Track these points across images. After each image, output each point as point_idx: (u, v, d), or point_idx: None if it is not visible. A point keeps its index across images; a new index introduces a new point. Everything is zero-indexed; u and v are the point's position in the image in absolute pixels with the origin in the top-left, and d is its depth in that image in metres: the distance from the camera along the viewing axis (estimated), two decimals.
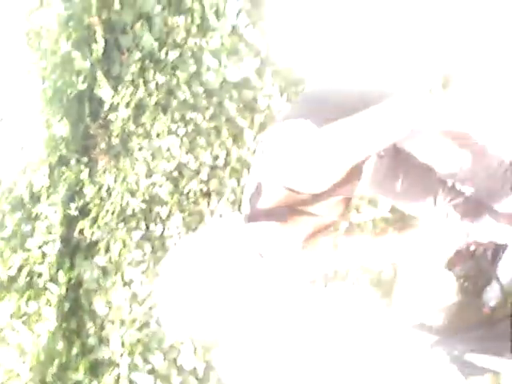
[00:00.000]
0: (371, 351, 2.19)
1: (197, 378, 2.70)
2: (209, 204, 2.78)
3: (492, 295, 2.46)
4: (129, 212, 2.81)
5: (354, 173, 1.35)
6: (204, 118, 2.65)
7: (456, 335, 2.36)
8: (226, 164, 2.72)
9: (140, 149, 2.71)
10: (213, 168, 2.74)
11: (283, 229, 1.30)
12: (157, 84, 2.63)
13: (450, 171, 1.58)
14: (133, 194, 2.78)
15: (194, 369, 2.70)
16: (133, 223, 2.81)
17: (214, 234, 1.26)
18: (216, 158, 2.71)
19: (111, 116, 2.73)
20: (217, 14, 2.57)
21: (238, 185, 2.77)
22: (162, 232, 2.83)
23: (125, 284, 2.91)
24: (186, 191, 2.77)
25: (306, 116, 1.29)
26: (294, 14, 2.15)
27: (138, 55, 2.60)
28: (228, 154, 2.70)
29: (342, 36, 2.09)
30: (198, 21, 2.58)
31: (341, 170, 1.30)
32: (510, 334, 2.27)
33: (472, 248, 2.58)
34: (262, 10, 2.56)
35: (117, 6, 2.57)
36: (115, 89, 2.67)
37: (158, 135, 2.69)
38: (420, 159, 1.61)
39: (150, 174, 2.75)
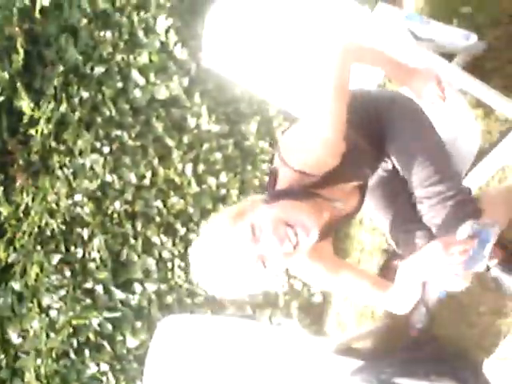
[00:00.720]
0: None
1: None
2: (133, 226, 2.67)
3: (418, 318, 2.47)
4: (47, 233, 2.65)
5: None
6: (130, 137, 2.56)
7: (384, 359, 2.35)
8: (152, 184, 2.63)
9: (61, 167, 2.58)
10: (138, 188, 2.65)
11: (301, 206, 1.32)
12: (81, 99, 2.52)
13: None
14: (52, 214, 2.63)
15: None
16: (51, 245, 2.65)
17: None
18: (142, 177, 2.61)
19: (31, 131, 2.59)
20: (146, 30, 2.51)
21: (165, 206, 2.68)
22: (83, 255, 2.69)
23: (42, 311, 2.73)
24: (109, 212, 2.65)
25: None
26: (225, 34, 2.12)
27: (61, 69, 2.49)
28: (154, 174, 2.62)
29: (273, 56, 2.07)
30: (126, 36, 2.51)
31: (335, 136, 1.39)
32: (436, 356, 2.28)
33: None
34: (192, 29, 2.52)
35: (40, 17, 2.46)
36: (36, 103, 2.54)
37: (80, 153, 2.57)
38: None
39: (71, 194, 2.61)
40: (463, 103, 1.86)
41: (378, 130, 1.64)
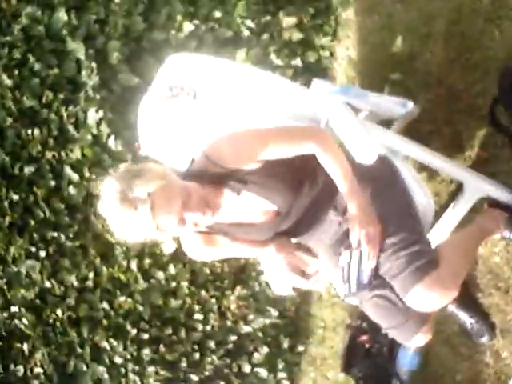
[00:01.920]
0: None
1: None
2: (79, 333, 2.46)
3: None
4: None
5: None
6: (67, 237, 2.39)
7: None
8: (96, 285, 2.45)
9: None
10: (81, 291, 2.45)
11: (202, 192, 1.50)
12: (11, 202, 2.34)
13: None
14: None
15: None
16: None
17: None
18: (84, 279, 2.43)
19: None
20: (76, 124, 2.40)
21: (112, 307, 2.49)
22: (25, 372, 2.43)
23: None
24: (50, 321, 2.43)
25: None
26: (160, 122, 2.05)
27: None
28: (97, 274, 2.44)
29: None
30: (55, 132, 2.39)
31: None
32: None
33: (367, 346, 2.48)
34: (124, 119, 2.43)
35: None
36: None
37: (14, 260, 2.36)
38: None
39: (6, 306, 2.38)
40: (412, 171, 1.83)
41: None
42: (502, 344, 2.02)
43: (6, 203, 2.34)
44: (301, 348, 2.88)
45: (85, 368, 2.47)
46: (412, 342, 1.66)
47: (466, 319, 2.07)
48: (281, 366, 2.83)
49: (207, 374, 2.69)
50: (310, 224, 1.73)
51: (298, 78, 2.62)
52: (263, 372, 2.79)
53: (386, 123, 2.18)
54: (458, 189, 2.13)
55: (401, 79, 2.45)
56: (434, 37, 2.33)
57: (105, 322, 2.48)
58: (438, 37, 2.32)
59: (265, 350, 2.78)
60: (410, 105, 2.04)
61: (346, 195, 1.61)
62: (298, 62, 2.71)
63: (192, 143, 2.03)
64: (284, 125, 1.84)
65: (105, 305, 2.47)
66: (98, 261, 2.42)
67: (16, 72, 2.32)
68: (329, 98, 1.91)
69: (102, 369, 2.49)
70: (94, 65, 2.36)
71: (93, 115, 2.39)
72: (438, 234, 2.06)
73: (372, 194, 1.66)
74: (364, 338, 2.43)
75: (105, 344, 2.49)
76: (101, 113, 2.38)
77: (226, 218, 1.62)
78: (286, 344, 2.84)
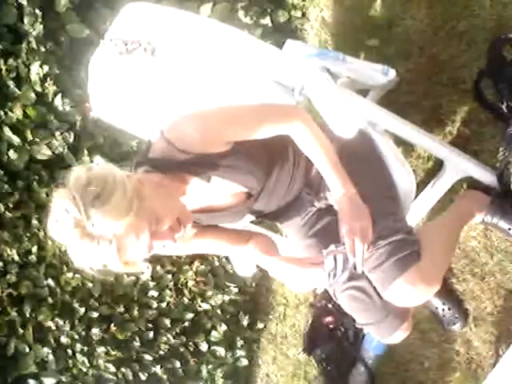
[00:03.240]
0: None
1: None
2: (21, 312, 2.23)
3: (359, 378, 2.25)
4: None
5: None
6: (7, 207, 2.14)
7: None
8: (40, 260, 2.23)
9: None
10: (23, 267, 2.22)
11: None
12: None
13: None
14: None
15: None
16: None
17: None
18: (26, 254, 2.20)
19: None
20: (17, 80, 2.12)
21: (58, 285, 2.28)
22: None
23: None
24: None
25: None
26: (114, 80, 1.81)
27: None
28: (41, 249, 2.21)
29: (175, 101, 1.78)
30: None
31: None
32: None
33: (331, 327, 2.37)
34: (73, 75, 2.17)
35: None
36: None
37: None
38: None
39: None
40: (393, 148, 1.67)
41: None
42: (474, 332, 1.93)
43: None
44: (260, 325, 2.76)
45: (27, 349, 2.26)
46: (390, 340, 1.53)
47: (438, 305, 1.97)
48: (239, 344, 2.71)
49: (162, 353, 2.53)
50: (282, 204, 1.57)
51: (267, 39, 2.41)
52: (221, 350, 2.66)
53: (360, 92, 2.01)
54: (437, 167, 2.00)
55: (378, 46, 2.27)
56: (417, 1, 2.15)
57: (50, 300, 2.26)
58: (422, 1, 2.14)
59: (223, 327, 2.65)
60: (393, 73, 1.86)
61: (330, 180, 1.44)
62: (267, 20, 2.49)
63: (149, 106, 1.82)
64: (252, 90, 1.65)
65: (50, 281, 2.25)
66: (42, 233, 2.18)
67: None
68: (305, 62, 1.72)
69: (46, 350, 2.28)
70: (38, 12, 2.06)
71: (36, 70, 2.10)
72: (414, 215, 1.93)
73: (350, 175, 1.49)
74: (329, 319, 2.32)
75: (50, 323, 2.28)
76: (46, 68, 2.10)
77: (194, 204, 1.43)
78: (245, 321, 2.72)
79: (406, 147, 2.09)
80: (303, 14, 2.59)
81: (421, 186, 1.96)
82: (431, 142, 1.90)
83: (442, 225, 1.69)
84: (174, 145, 1.32)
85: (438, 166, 1.99)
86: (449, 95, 2.02)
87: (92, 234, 1.12)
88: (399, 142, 1.96)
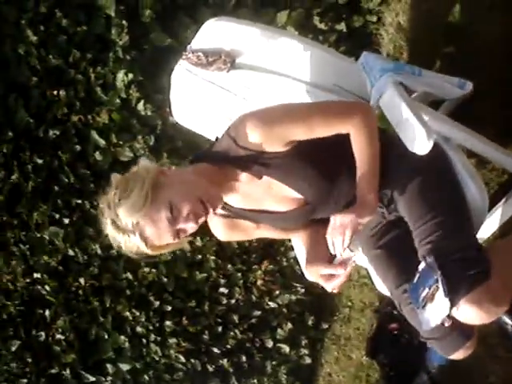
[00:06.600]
0: None
1: None
2: (101, 302, 2.40)
3: None
4: (4, 317, 2.35)
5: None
6: (92, 205, 2.30)
7: None
8: (120, 255, 2.38)
9: (16, 242, 2.29)
10: (104, 260, 2.38)
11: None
12: (34, 167, 2.24)
13: None
14: (9, 295, 2.34)
15: None
16: (9, 331, 2.36)
17: None
18: (108, 248, 2.36)
19: None
20: (104, 86, 2.27)
21: (135, 277, 2.43)
22: (47, 338, 2.40)
23: None
24: (73, 289, 2.38)
25: None
26: (194, 89, 1.91)
27: (10, 134, 2.21)
28: None
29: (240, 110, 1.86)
30: (82, 94, 2.25)
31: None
32: None
33: (395, 333, 2.39)
34: (155, 83, 2.29)
35: None
36: None
37: (37, 226, 2.29)
38: None
39: (29, 272, 2.33)
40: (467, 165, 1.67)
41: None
42: None
43: (29, 167, 2.24)
44: (325, 325, 2.82)
45: (106, 336, 2.44)
46: (453, 356, 1.55)
47: (507, 321, 1.95)
48: (304, 342, 2.78)
49: (229, 347, 2.65)
50: None
51: (341, 44, 2.43)
52: (286, 347, 2.75)
53: (433, 103, 2.00)
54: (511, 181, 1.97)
55: (454, 53, 2.24)
56: (500, 8, 2.10)
57: (128, 292, 2.42)
58: (505, 9, 2.09)
59: (289, 325, 2.72)
60: (469, 86, 1.84)
61: (360, 184, 1.45)
62: (342, 26, 2.51)
63: (223, 115, 1.91)
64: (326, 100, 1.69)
65: (128, 275, 2.41)
66: None
67: (42, 28, 2.15)
68: (380, 76, 1.74)
69: (123, 338, 2.46)
70: (124, 22, 2.19)
71: (122, 77, 2.24)
72: (484, 230, 1.91)
73: (422, 189, 1.51)
74: (394, 325, 2.35)
75: (127, 314, 2.44)
76: (130, 75, 2.23)
77: (244, 203, 1.51)
78: (310, 321, 2.78)
79: (480, 159, 2.07)
80: (379, 19, 2.58)
81: (494, 199, 1.94)
82: (506, 158, 1.87)
83: None
84: (236, 141, 1.41)
85: None
86: None
87: (121, 228, 1.36)
88: (473, 153, 1.94)
